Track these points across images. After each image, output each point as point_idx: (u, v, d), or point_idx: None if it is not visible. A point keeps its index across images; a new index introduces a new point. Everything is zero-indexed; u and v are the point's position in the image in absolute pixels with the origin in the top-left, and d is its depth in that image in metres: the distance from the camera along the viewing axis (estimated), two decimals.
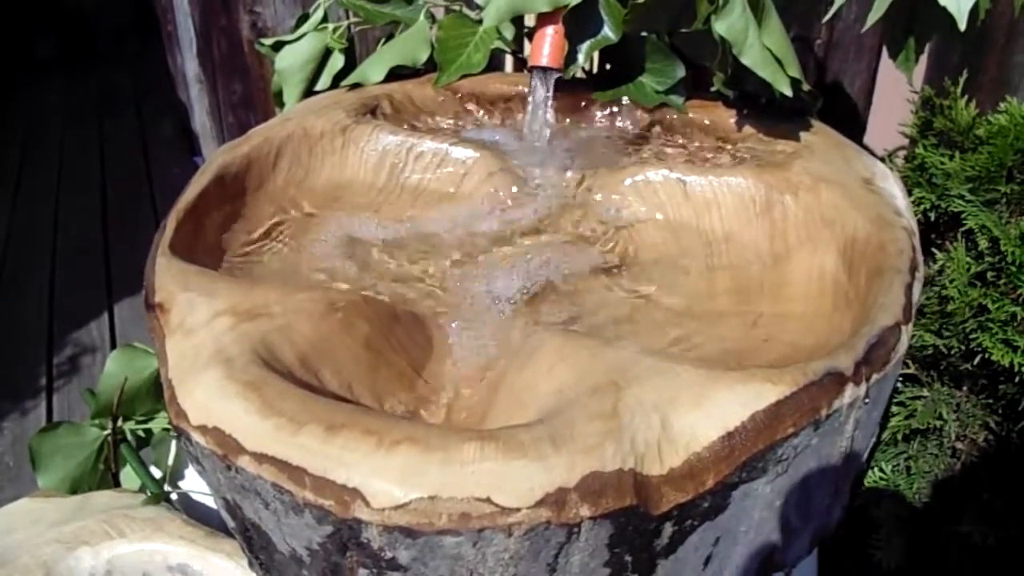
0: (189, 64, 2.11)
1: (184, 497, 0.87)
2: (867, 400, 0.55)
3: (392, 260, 0.72)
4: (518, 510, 0.45)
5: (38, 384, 1.80)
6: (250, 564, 0.60)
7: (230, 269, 0.71)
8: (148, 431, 0.89)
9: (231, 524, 0.59)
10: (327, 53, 0.94)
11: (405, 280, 0.70)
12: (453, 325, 0.65)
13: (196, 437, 0.53)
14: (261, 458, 0.49)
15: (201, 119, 2.19)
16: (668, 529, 0.50)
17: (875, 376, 0.55)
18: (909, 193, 0.97)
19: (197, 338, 0.57)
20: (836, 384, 0.52)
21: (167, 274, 0.63)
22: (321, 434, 0.48)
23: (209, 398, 0.53)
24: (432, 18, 0.92)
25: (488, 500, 0.45)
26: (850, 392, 0.53)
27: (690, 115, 0.85)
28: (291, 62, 0.93)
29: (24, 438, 1.61)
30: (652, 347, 0.62)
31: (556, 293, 0.68)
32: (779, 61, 0.72)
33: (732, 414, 0.50)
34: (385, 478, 0.46)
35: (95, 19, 3.31)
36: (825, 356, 0.53)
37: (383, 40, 0.98)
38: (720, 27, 0.70)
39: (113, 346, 1.84)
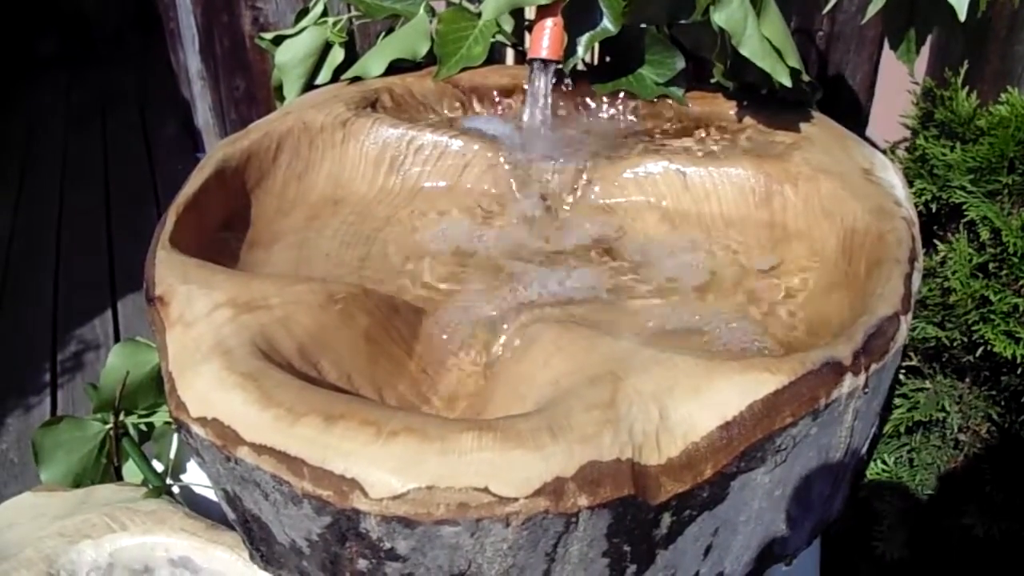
0: (191, 60, 2.11)
1: (186, 490, 0.87)
2: (866, 390, 0.55)
3: (391, 252, 0.72)
4: (516, 500, 0.45)
5: (42, 380, 1.81)
6: (251, 556, 0.61)
7: (230, 262, 0.71)
8: (150, 425, 0.89)
9: (231, 516, 0.59)
10: (327, 47, 0.94)
11: (404, 272, 0.70)
12: (452, 316, 0.65)
13: (196, 429, 0.53)
14: (260, 449, 0.49)
15: (204, 116, 2.19)
16: (667, 519, 0.50)
17: (874, 366, 0.55)
18: (910, 184, 0.97)
19: (196, 330, 0.58)
20: (835, 374, 0.52)
21: (167, 267, 0.64)
22: (319, 424, 0.48)
23: (208, 390, 0.53)
24: (432, 11, 0.92)
25: (486, 490, 0.45)
26: (849, 382, 0.53)
27: (690, 106, 0.84)
28: (291, 56, 0.93)
29: (28, 434, 1.62)
30: (651, 337, 0.62)
31: (555, 284, 0.68)
32: (778, 52, 0.72)
33: (730, 404, 0.50)
34: (383, 468, 0.46)
35: (96, 17, 3.31)
36: (824, 346, 0.53)
37: (383, 34, 0.98)
38: (719, 18, 0.70)
39: (117, 342, 1.85)
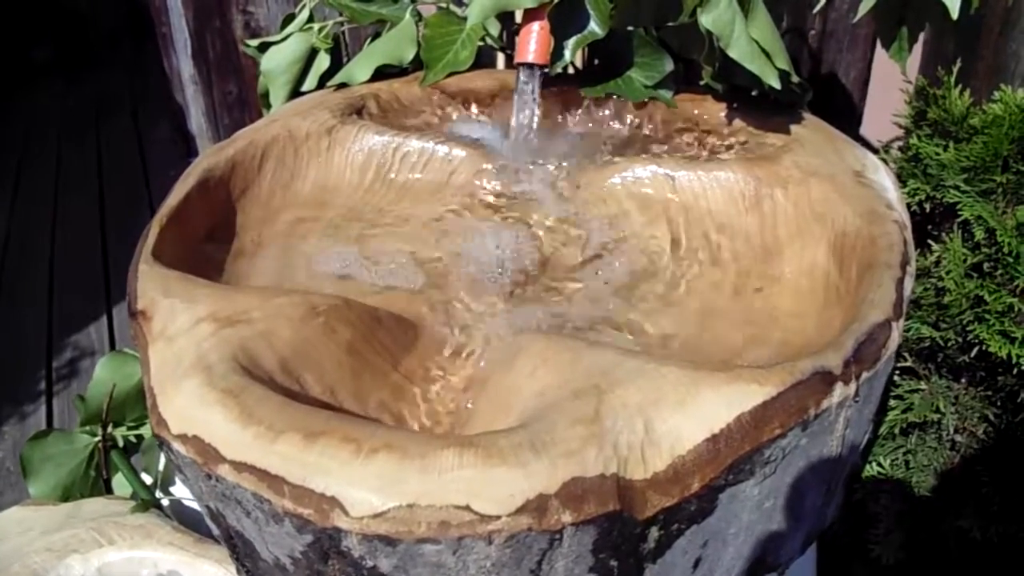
0: (184, 65, 2.10)
1: (175, 503, 0.86)
2: (857, 399, 0.54)
3: (376, 262, 0.71)
4: (498, 518, 0.44)
5: (38, 388, 1.80)
6: (237, 571, 0.60)
7: (215, 273, 0.70)
8: (139, 437, 0.89)
9: (216, 532, 0.59)
10: (313, 53, 0.93)
11: (389, 282, 0.69)
12: (437, 327, 0.64)
13: (176, 446, 0.52)
14: (240, 467, 0.49)
15: (197, 120, 2.18)
16: (654, 533, 0.50)
17: (865, 374, 0.54)
18: (904, 184, 0.96)
19: (178, 345, 0.57)
20: (824, 383, 0.51)
21: (149, 281, 0.63)
22: (299, 442, 0.48)
23: (189, 406, 0.52)
24: (418, 16, 0.91)
25: (467, 508, 0.44)
26: (839, 391, 0.52)
27: (679, 109, 0.84)
28: (277, 63, 0.92)
29: (24, 442, 1.61)
30: (638, 345, 0.62)
31: (543, 292, 0.67)
32: (767, 53, 0.71)
33: (717, 416, 0.49)
34: (363, 487, 0.45)
35: (91, 22, 3.30)
36: (813, 355, 0.53)
37: (369, 39, 0.97)
38: (706, 20, 0.69)
39: (112, 349, 1.84)
